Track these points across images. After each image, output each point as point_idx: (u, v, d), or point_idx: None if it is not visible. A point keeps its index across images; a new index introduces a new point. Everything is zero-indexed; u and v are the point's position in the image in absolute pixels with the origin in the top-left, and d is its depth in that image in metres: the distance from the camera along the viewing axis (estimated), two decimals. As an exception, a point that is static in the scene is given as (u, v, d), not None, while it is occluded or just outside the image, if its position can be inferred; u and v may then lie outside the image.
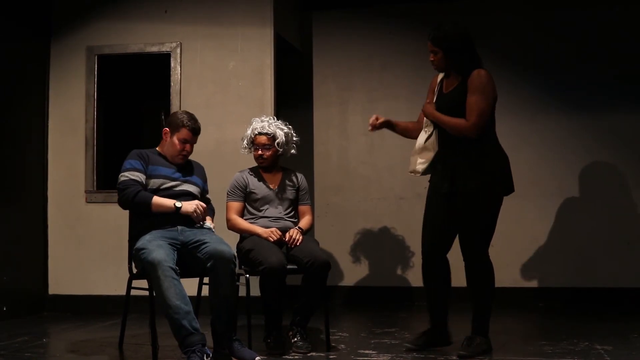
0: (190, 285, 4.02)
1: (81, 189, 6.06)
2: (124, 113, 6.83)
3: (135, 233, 4.19)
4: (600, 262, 6.20)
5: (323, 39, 6.76)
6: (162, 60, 6.04)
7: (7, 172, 5.68)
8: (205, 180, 4.51)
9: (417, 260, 5.82)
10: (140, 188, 4.16)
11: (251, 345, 4.19)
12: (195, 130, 4.32)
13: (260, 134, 4.55)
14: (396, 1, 6.58)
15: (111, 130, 6.45)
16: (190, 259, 4.07)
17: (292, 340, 4.31)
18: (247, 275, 4.29)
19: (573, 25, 6.34)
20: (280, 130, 4.57)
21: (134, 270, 4.22)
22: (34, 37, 6.05)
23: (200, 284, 4.52)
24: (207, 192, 4.53)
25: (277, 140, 4.55)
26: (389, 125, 4.38)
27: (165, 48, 6.02)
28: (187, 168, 4.41)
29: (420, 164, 4.24)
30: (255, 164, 4.69)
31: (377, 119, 4.34)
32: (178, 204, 4.15)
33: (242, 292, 4.31)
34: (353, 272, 6.57)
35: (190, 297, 3.86)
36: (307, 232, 4.56)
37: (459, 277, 4.26)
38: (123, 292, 4.42)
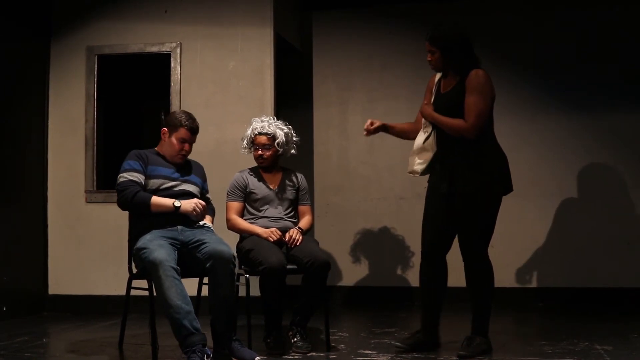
0: (190, 285, 4.01)
1: (81, 189, 6.06)
2: (124, 113, 6.84)
3: (135, 233, 4.18)
4: (600, 262, 6.20)
5: (323, 39, 6.75)
6: (162, 60, 6.04)
7: (7, 172, 5.68)
8: (204, 180, 4.50)
9: (417, 260, 5.82)
10: (139, 189, 4.15)
11: (251, 345, 4.19)
12: (193, 130, 4.32)
13: (260, 134, 4.55)
14: (396, 1, 6.58)
15: (111, 130, 6.45)
16: (190, 259, 4.07)
17: (292, 340, 4.31)
18: (247, 275, 4.28)
19: (573, 25, 6.33)
20: (280, 130, 4.57)
21: (134, 270, 4.22)
22: (34, 37, 6.05)
23: (200, 284, 4.52)
24: (206, 191, 4.52)
25: (277, 140, 4.54)
26: (384, 129, 4.36)
27: (165, 48, 6.02)
28: (186, 168, 4.40)
29: (419, 164, 4.23)
30: (255, 164, 4.69)
31: (372, 123, 4.32)
32: (177, 203, 4.15)
33: (242, 292, 4.31)
34: (353, 272, 6.57)
35: (190, 297, 3.86)
36: (307, 232, 4.56)
37: (458, 277, 4.26)
38: (123, 292, 4.42)
